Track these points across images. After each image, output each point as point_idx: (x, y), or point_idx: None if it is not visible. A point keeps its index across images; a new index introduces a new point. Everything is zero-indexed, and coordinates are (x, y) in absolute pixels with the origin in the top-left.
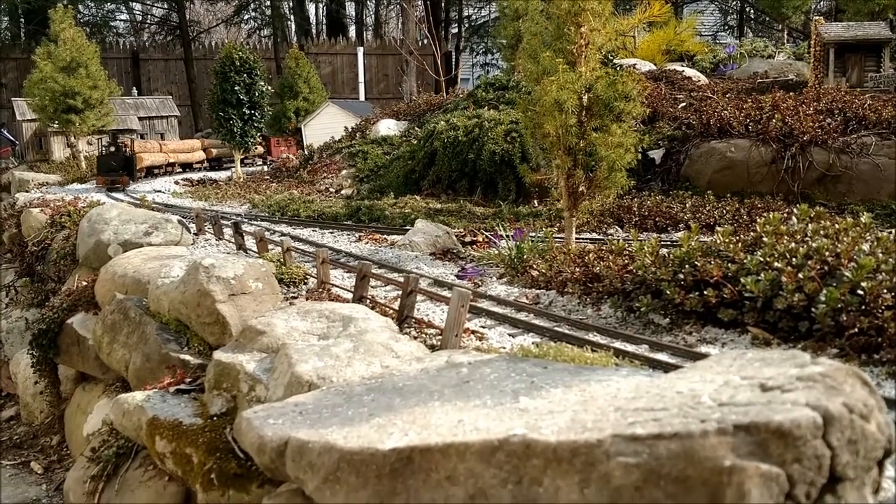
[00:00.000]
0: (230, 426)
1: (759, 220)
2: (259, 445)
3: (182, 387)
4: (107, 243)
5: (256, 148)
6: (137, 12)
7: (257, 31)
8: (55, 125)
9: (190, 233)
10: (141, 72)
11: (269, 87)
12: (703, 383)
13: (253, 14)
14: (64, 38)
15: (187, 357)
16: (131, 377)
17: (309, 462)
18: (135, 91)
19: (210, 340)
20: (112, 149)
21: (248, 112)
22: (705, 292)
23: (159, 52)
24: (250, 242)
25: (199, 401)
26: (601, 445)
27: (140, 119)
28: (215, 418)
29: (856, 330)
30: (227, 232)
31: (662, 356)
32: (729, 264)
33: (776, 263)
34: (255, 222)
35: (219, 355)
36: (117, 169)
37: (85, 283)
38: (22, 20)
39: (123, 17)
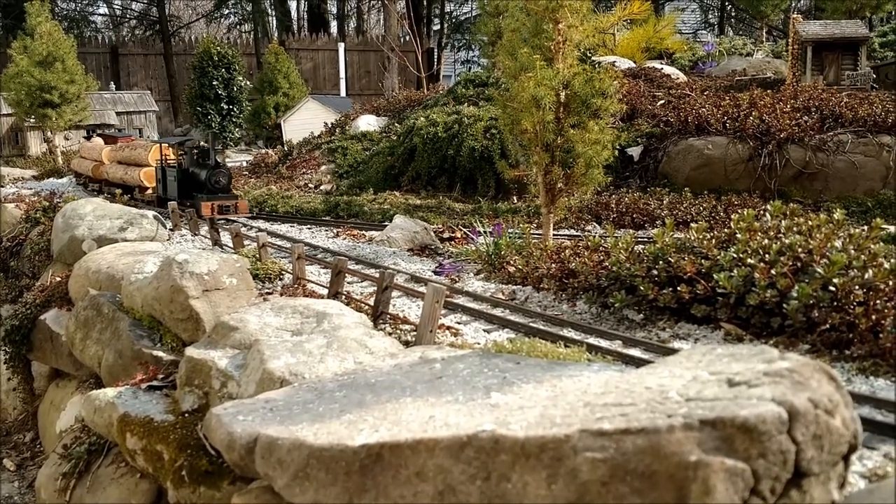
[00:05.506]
0: (201, 423)
1: (734, 216)
2: (228, 442)
3: (154, 383)
4: (81, 239)
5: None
6: (117, 6)
7: (238, 27)
8: (32, 120)
9: (165, 228)
10: (120, 67)
11: (248, 83)
12: (672, 378)
13: (233, 9)
14: (40, 32)
15: (160, 353)
16: (104, 374)
17: (278, 459)
18: (112, 86)
19: (183, 336)
20: (217, 159)
21: (226, 107)
22: (679, 288)
23: (139, 47)
24: (226, 238)
25: (170, 397)
26: (569, 440)
27: (118, 114)
28: (187, 415)
29: (827, 326)
30: (204, 228)
31: (636, 352)
32: (703, 260)
33: (749, 260)
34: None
35: (191, 351)
36: (227, 188)
37: (59, 279)
38: None
39: (102, 11)
